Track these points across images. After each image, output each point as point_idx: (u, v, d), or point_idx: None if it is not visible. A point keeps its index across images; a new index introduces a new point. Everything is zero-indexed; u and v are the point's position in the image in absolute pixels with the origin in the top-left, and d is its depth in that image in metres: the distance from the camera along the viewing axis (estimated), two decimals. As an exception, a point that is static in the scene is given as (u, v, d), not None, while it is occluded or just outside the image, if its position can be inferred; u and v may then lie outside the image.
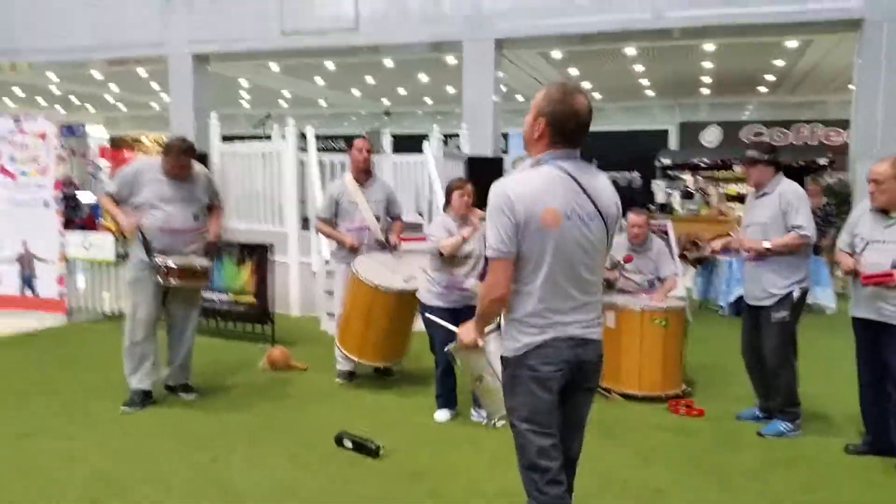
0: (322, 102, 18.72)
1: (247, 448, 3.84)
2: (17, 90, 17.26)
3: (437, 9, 10.29)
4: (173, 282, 4.33)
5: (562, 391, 2.26)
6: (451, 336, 2.74)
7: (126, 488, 3.32)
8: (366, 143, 5.06)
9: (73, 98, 18.31)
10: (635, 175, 15.32)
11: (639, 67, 13.38)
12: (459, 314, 4.13)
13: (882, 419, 3.83)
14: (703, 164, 14.94)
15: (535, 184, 2.15)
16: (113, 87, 16.45)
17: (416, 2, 10.39)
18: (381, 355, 4.84)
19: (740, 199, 14.17)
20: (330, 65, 13.35)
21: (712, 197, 14.21)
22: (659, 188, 14.13)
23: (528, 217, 2.10)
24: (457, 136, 10.17)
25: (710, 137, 16.94)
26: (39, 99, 18.40)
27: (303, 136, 7.89)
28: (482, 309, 2.30)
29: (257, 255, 6.15)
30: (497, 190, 2.16)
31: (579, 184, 2.17)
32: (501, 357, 2.32)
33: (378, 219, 4.98)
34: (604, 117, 18.39)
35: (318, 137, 8.03)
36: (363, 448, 3.73)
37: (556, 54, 12.21)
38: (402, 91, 16.45)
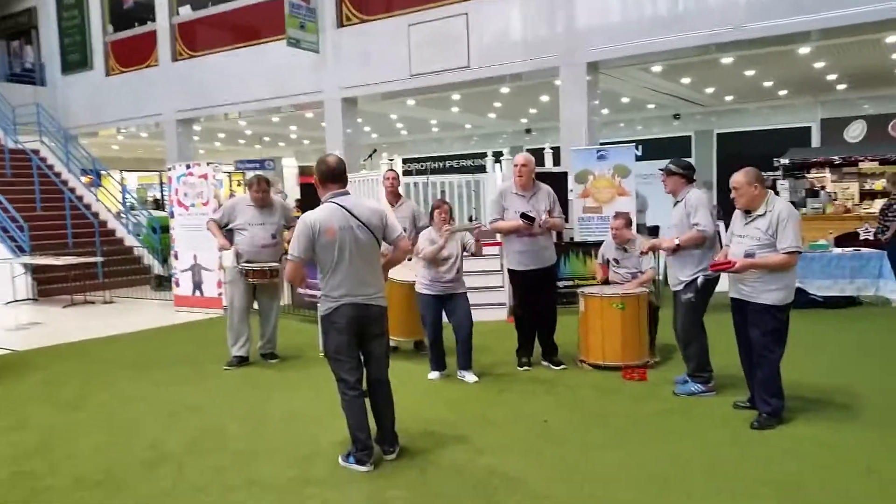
0: (467, 126, 20.61)
1: (290, 391, 5.64)
2: (220, 135, 21.03)
3: (535, 40, 11.60)
4: (252, 280, 6.28)
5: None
6: (438, 316, 5.33)
7: (208, 413, 5.25)
8: (392, 173, 6.74)
9: (266, 137, 21.80)
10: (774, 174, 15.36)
11: (749, 72, 13.68)
12: (442, 299, 5.69)
13: (757, 380, 4.76)
14: (837, 161, 14.70)
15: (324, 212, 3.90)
16: (293, 127, 19.52)
17: (517, 36, 11.76)
18: (406, 332, 6.46)
19: (884, 194, 13.82)
20: (456, 95, 15.13)
21: (839, 194, 13.98)
22: (783, 187, 14.17)
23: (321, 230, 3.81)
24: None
25: (855, 132, 16.41)
26: (240, 140, 22.16)
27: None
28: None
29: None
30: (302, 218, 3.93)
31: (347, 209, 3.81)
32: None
33: (405, 230, 6.60)
34: (742, 117, 18.42)
35: (464, 156, 9.74)
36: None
37: (657, 68, 12.97)
38: (532, 110, 17.82)
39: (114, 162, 23.25)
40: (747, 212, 4.68)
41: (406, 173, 18.28)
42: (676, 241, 5.21)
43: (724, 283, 5.00)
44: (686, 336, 5.28)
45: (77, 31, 17.63)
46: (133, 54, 16.94)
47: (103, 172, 15.98)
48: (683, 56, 11.42)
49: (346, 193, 4.08)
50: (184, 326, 8.84)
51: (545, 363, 6.16)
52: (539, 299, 6.04)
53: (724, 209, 16.41)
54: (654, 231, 12.34)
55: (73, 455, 4.37)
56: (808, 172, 15.21)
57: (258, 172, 6.64)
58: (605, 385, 5.59)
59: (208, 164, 9.90)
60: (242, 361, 6.55)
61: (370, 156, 12.28)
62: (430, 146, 23.79)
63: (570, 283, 8.97)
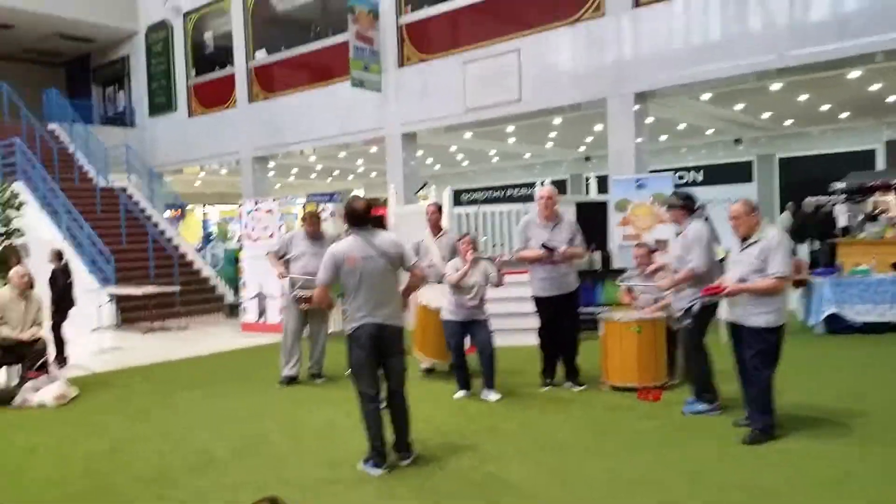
0: (526, 155, 21.10)
1: (329, 406, 6.23)
2: (294, 170, 22.22)
3: (583, 72, 12.02)
4: (303, 306, 6.93)
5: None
6: (461, 340, 5.88)
7: (254, 424, 5.89)
8: (433, 206, 7.36)
9: (335, 171, 22.88)
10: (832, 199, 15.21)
11: (802, 97, 13.68)
12: (466, 324, 6.19)
13: (752, 398, 5.03)
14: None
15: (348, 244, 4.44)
16: (360, 161, 20.48)
17: (565, 69, 12.22)
18: (441, 354, 6.97)
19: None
20: (511, 127, 15.69)
21: (900, 218, 13.70)
22: (841, 211, 14.01)
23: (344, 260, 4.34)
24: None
25: (922, 154, 16.04)
26: (312, 175, 23.32)
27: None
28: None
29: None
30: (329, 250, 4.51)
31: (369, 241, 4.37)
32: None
33: (444, 258, 7.12)
34: (804, 141, 18.19)
35: (519, 186, 10.27)
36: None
37: (706, 96, 13.17)
38: (589, 138, 18.15)
39: (197, 197, 24.86)
40: (744, 239, 5.00)
41: (465, 203, 18.82)
42: (674, 282, 5.57)
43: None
44: (688, 360, 5.59)
45: (163, 75, 19.17)
46: (213, 96, 18.28)
47: (188, 207, 17.28)
48: (729, 85, 11.58)
49: (369, 229, 4.68)
50: (247, 350, 9.61)
51: (567, 384, 6.53)
52: (561, 324, 6.44)
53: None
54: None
55: (135, 458, 5.06)
56: (871, 196, 14.94)
57: (311, 209, 7.30)
58: (619, 404, 5.93)
59: (273, 199, 10.75)
60: (292, 380, 7.20)
61: (421, 188, 12.90)
62: (491, 176, 24.37)
63: (607, 308, 9.27)
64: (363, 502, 4.12)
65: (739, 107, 14.59)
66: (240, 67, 17.38)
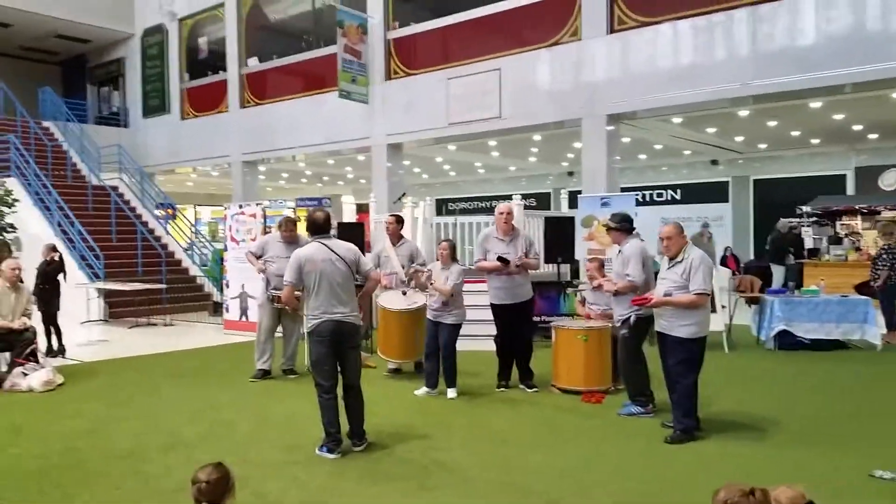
0: (511, 168, 21.66)
1: (297, 399, 6.70)
2: (284, 174, 22.70)
3: (560, 93, 12.57)
4: (277, 305, 7.41)
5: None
6: (432, 337, 6.39)
7: (225, 412, 6.36)
8: (391, 218, 7.86)
9: (325, 177, 23.38)
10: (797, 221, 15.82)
11: (771, 123, 14.28)
12: (435, 324, 6.68)
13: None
14: (866, 209, 15.05)
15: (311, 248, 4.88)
16: (348, 168, 20.99)
17: (544, 89, 12.75)
18: (402, 354, 7.46)
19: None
20: (493, 142, 16.24)
21: (864, 241, 14.32)
22: (807, 234, 14.61)
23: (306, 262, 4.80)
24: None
25: (889, 181, 16.66)
26: (303, 179, 23.81)
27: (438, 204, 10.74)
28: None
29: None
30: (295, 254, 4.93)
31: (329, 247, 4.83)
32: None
33: (403, 266, 7.63)
34: (779, 164, 18.82)
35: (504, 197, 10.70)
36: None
37: (677, 119, 13.74)
38: (570, 154, 18.71)
39: (189, 197, 25.30)
40: (671, 258, 5.52)
41: (449, 213, 19.29)
42: (614, 288, 6.09)
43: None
44: (623, 366, 6.11)
45: (158, 78, 19.64)
46: (206, 100, 18.77)
47: (179, 206, 17.70)
48: (698, 109, 12.16)
49: (329, 237, 5.20)
50: (228, 346, 10.06)
51: (522, 386, 7.02)
52: (516, 330, 6.94)
53: (757, 254, 16.73)
54: None
55: (111, 437, 5.52)
56: (839, 220, 15.57)
57: (287, 214, 7.81)
58: (564, 405, 6.43)
59: (257, 204, 11.23)
60: (266, 375, 7.67)
61: (399, 198, 13.41)
62: (480, 186, 24.90)
63: (570, 318, 9.77)
64: (314, 480, 4.58)
65: (711, 130, 15.18)
66: (232, 74, 17.87)
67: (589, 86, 12.19)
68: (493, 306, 7.01)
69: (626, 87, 11.79)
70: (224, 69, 18.09)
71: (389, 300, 7.41)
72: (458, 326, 6.73)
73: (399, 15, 15.06)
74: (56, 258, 9.34)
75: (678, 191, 20.27)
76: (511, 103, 13.11)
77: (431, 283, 6.64)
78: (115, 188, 16.43)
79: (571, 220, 10.39)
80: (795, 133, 15.51)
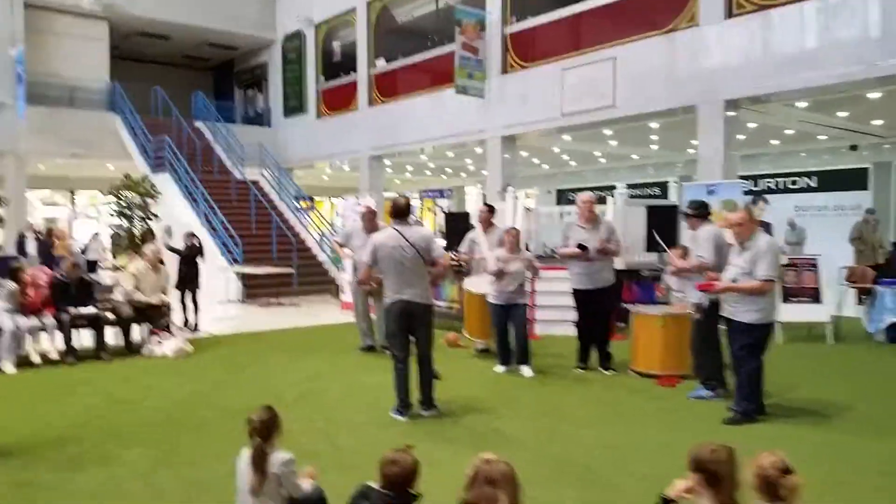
0: (634, 156, 21.34)
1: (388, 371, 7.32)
2: (409, 167, 23.66)
3: (674, 80, 12.46)
4: (364, 288, 8.04)
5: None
6: (503, 320, 6.68)
7: (323, 380, 7.08)
8: (484, 207, 8.27)
9: (448, 169, 24.11)
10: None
11: (909, 105, 13.31)
12: (507, 308, 7.07)
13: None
14: None
15: (384, 235, 5.35)
16: (468, 160, 21.56)
17: (658, 76, 12.68)
18: (484, 334, 7.90)
19: None
20: (608, 131, 16.20)
21: None
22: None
23: (380, 247, 5.30)
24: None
25: None
26: (427, 172, 24.69)
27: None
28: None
29: (458, 279, 9.59)
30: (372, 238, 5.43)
31: (402, 234, 5.28)
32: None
33: (492, 251, 8.01)
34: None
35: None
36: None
37: (802, 103, 13.14)
38: (694, 141, 18.18)
39: (326, 190, 26.92)
40: (741, 244, 5.57)
41: (570, 202, 19.20)
42: (681, 265, 6.20)
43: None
44: (695, 349, 6.19)
45: (296, 81, 21.11)
46: (338, 100, 19.99)
47: (316, 198, 19.03)
48: (819, 94, 11.63)
49: (406, 223, 5.69)
50: (340, 325, 10.90)
51: (600, 368, 7.24)
52: (597, 314, 7.18)
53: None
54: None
55: (224, 398, 6.36)
56: None
57: (370, 206, 8.48)
58: (636, 387, 6.61)
59: (357, 197, 12.01)
60: (371, 349, 8.37)
61: (504, 189, 13.76)
62: (604, 175, 24.62)
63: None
64: (382, 437, 5.11)
65: (843, 114, 14.33)
66: (362, 74, 18.93)
67: (705, 72, 11.97)
68: (574, 291, 7.27)
69: (744, 73, 11.48)
70: (355, 70, 19.19)
71: (475, 284, 7.85)
72: (527, 307, 7.13)
73: (516, 9, 15.39)
74: (196, 244, 10.50)
75: (814, 178, 19.16)
76: (625, 92, 13.09)
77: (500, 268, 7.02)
78: (255, 182, 17.93)
79: (675, 208, 10.33)
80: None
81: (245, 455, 3.52)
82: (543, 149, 19.44)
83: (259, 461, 3.44)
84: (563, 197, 24.24)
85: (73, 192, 23.38)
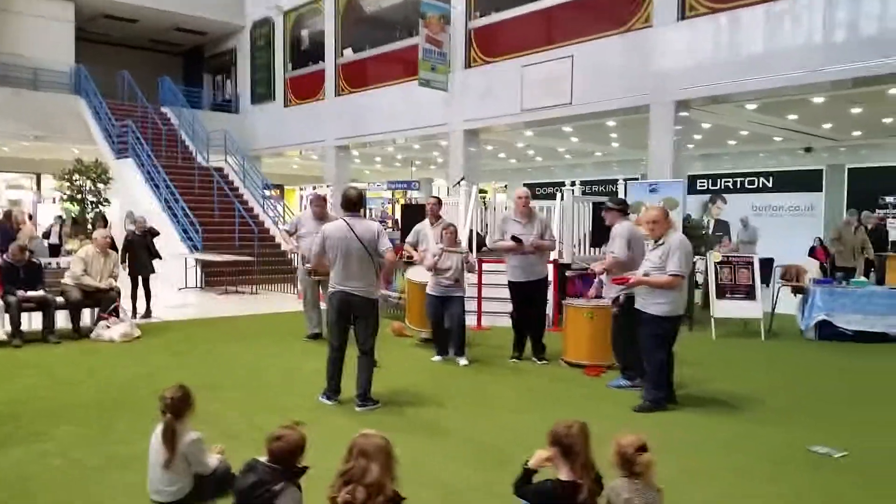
0: (597, 153, 21.71)
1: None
2: (377, 158, 23.83)
3: (628, 79, 12.75)
4: (314, 277, 8.26)
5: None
6: (439, 311, 6.96)
7: (261, 365, 7.29)
8: (433, 199, 8.52)
9: (417, 161, 24.33)
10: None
11: (855, 109, 13.75)
12: (443, 299, 7.33)
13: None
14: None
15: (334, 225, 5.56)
16: (435, 153, 21.76)
17: (613, 76, 12.97)
18: (425, 324, 8.15)
19: None
20: (568, 127, 16.50)
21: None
22: (892, 225, 13.99)
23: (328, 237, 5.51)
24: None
25: None
26: (396, 163, 24.88)
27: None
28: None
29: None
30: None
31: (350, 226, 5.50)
32: None
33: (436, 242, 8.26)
34: (878, 153, 17.90)
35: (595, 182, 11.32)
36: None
37: (752, 105, 13.51)
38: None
39: (296, 179, 26.96)
40: (655, 240, 5.87)
41: (535, 197, 19.50)
42: (601, 268, 6.51)
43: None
44: (614, 342, 6.51)
45: (265, 68, 21.17)
46: (306, 89, 20.08)
47: (287, 187, 19.06)
48: (766, 97, 12.00)
49: (357, 216, 5.84)
50: (294, 314, 11.08)
51: (534, 359, 7.53)
52: (530, 306, 7.45)
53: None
54: (768, 263, 12.54)
55: (166, 381, 6.45)
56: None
57: (318, 192, 8.67)
58: (564, 376, 6.91)
59: (327, 186, 12.18)
60: (316, 337, 8.57)
61: (458, 182, 14.01)
62: (570, 171, 25.00)
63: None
64: (306, 420, 5.32)
65: (793, 117, 14.75)
66: (329, 63, 19.05)
67: (657, 72, 12.29)
68: (509, 283, 7.54)
69: (695, 74, 11.83)
70: (322, 59, 19.28)
71: (417, 274, 8.10)
72: (463, 299, 7.36)
73: (480, 4, 15.59)
74: (148, 229, 10.56)
75: (770, 178, 19.65)
76: (582, 90, 13.39)
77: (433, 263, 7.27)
78: (220, 170, 18.00)
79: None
80: (887, 120, 14.79)
81: (158, 430, 3.74)
82: (508, 143, 19.72)
83: (169, 437, 3.66)
84: (532, 192, 24.53)
85: (38, 176, 23.20)
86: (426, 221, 8.58)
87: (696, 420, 5.51)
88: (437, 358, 7.55)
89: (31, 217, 17.07)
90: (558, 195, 10.96)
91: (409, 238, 8.60)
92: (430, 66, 15.41)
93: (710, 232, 14.58)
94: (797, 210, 18.77)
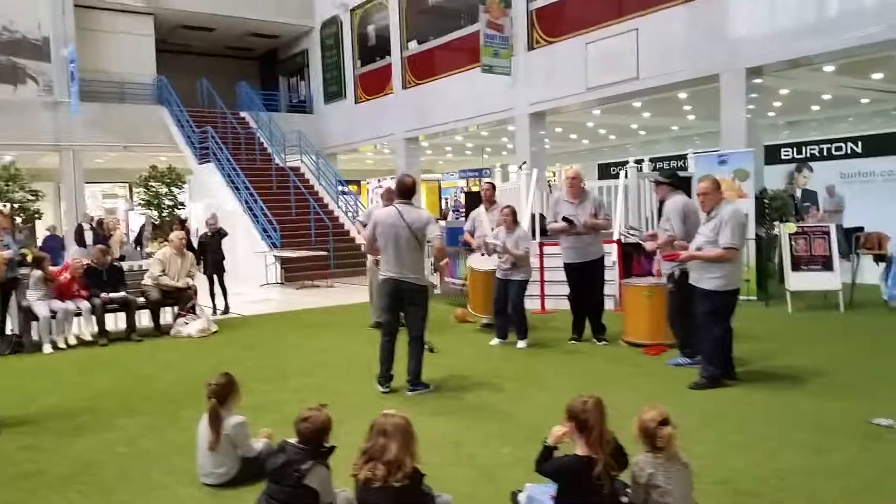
0: (674, 128, 21.06)
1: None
2: (448, 148, 23.91)
3: (696, 49, 12.37)
4: (379, 266, 8.42)
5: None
6: (501, 294, 7.09)
7: (327, 353, 7.52)
8: (487, 184, 8.51)
9: (488, 148, 24.31)
10: None
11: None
12: (504, 282, 7.34)
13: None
14: None
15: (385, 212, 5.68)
16: (504, 139, 21.67)
17: (680, 46, 12.61)
18: (486, 310, 8.18)
19: None
20: (637, 103, 16.10)
21: None
22: None
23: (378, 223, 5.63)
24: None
25: None
26: (467, 151, 24.93)
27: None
28: None
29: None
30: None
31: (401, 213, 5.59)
32: None
33: (492, 229, 8.28)
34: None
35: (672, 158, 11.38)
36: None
37: (829, 67, 12.81)
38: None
39: (371, 174, 27.47)
40: (708, 213, 5.70)
41: (613, 177, 19.24)
42: (655, 245, 6.36)
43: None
44: (671, 318, 6.35)
45: (335, 66, 21.61)
46: (374, 84, 20.38)
47: (364, 182, 19.40)
48: (841, 57, 11.37)
49: (409, 203, 5.87)
50: (365, 304, 11.35)
51: (593, 340, 7.45)
52: (587, 287, 7.37)
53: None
54: (855, 232, 11.93)
55: (235, 373, 6.77)
56: None
57: (388, 185, 8.80)
58: (622, 356, 6.81)
59: (391, 178, 12.34)
60: (379, 325, 8.72)
61: (521, 165, 13.91)
62: (647, 148, 24.34)
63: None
64: (359, 405, 5.47)
65: (878, 76, 13.89)
66: (395, 57, 19.26)
67: (726, 39, 11.86)
68: (565, 265, 7.48)
69: (765, 39, 11.34)
70: (389, 54, 19.52)
71: (478, 261, 8.13)
72: (525, 283, 7.32)
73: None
74: (219, 230, 11.00)
75: (859, 143, 18.52)
76: (648, 63, 13.07)
77: (499, 248, 7.25)
78: (295, 169, 18.54)
79: (687, 180, 10.32)
80: None
81: (205, 416, 3.96)
82: (578, 124, 19.43)
83: (214, 421, 3.87)
84: (607, 171, 24.07)
85: (130, 185, 24.57)
86: (482, 207, 8.63)
87: (751, 395, 5.34)
88: (495, 342, 7.58)
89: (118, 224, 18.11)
90: (621, 173, 10.74)
91: (467, 225, 8.68)
92: (492, 51, 15.35)
93: (796, 202, 13.94)
94: (891, 175, 17.62)
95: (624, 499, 3.13)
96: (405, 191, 5.86)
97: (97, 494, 3.87)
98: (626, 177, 10.67)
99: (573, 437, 3.07)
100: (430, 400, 5.62)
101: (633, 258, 9.62)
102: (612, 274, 9.02)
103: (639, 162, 12.52)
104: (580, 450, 3.03)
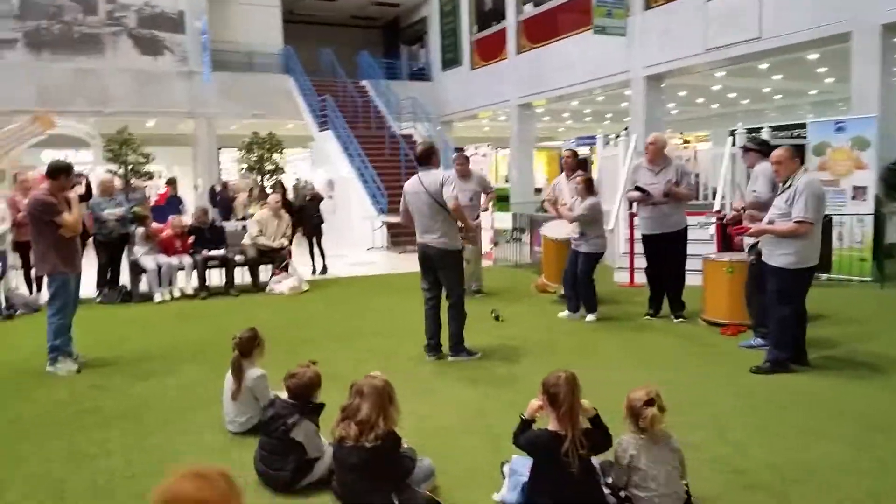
0: (812, 92, 19.40)
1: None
2: (565, 114, 23.34)
3: (824, 5, 11.37)
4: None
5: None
6: (571, 265, 6.93)
7: (397, 317, 7.67)
8: (569, 153, 8.22)
9: (608, 114, 23.48)
10: None
11: None
12: (576, 253, 7.15)
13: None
14: None
15: (410, 182, 5.67)
16: (623, 104, 20.81)
17: (806, 4, 11.64)
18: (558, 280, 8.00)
19: None
20: (764, 65, 14.95)
21: None
22: None
23: (405, 193, 5.64)
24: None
25: None
26: (586, 118, 24.22)
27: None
28: None
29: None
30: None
31: (420, 179, 5.57)
32: None
33: (572, 197, 8.03)
34: None
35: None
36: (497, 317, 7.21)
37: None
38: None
39: (488, 140, 27.31)
40: (783, 183, 5.26)
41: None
42: (741, 204, 5.94)
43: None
44: (748, 295, 5.92)
45: (452, 33, 21.60)
46: (489, 50, 20.20)
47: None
48: None
49: (429, 168, 5.79)
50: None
51: (671, 316, 7.09)
52: (665, 260, 7.01)
53: None
54: None
55: (313, 327, 7.20)
56: None
57: (462, 152, 8.78)
58: (696, 335, 6.45)
59: (488, 145, 12.27)
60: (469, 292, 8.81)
61: (618, 134, 13.30)
62: (788, 113, 22.61)
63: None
64: (404, 368, 5.55)
65: None
66: (510, 21, 18.96)
67: (860, -6, 10.80)
68: (642, 237, 7.16)
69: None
70: (504, 18, 19.25)
71: (552, 230, 7.96)
72: (592, 255, 7.04)
73: (660, -61, 14.58)
74: (318, 195, 11.49)
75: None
76: (771, 21, 12.16)
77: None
78: (408, 136, 18.80)
79: (801, 148, 9.54)
80: None
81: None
82: (703, 87, 18.34)
83: (236, 372, 4.07)
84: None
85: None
86: (562, 175, 8.41)
87: (814, 383, 4.91)
88: (564, 314, 7.40)
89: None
90: (728, 140, 10.08)
91: (545, 192, 8.49)
92: (605, 11, 14.76)
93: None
94: None
95: (607, 479, 3.01)
96: (423, 156, 5.84)
97: (134, 434, 4.20)
98: (733, 145, 9.99)
99: (547, 411, 2.98)
100: (469, 367, 5.61)
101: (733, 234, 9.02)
102: (710, 248, 8.54)
103: (752, 131, 11.65)
104: (552, 425, 2.94)
